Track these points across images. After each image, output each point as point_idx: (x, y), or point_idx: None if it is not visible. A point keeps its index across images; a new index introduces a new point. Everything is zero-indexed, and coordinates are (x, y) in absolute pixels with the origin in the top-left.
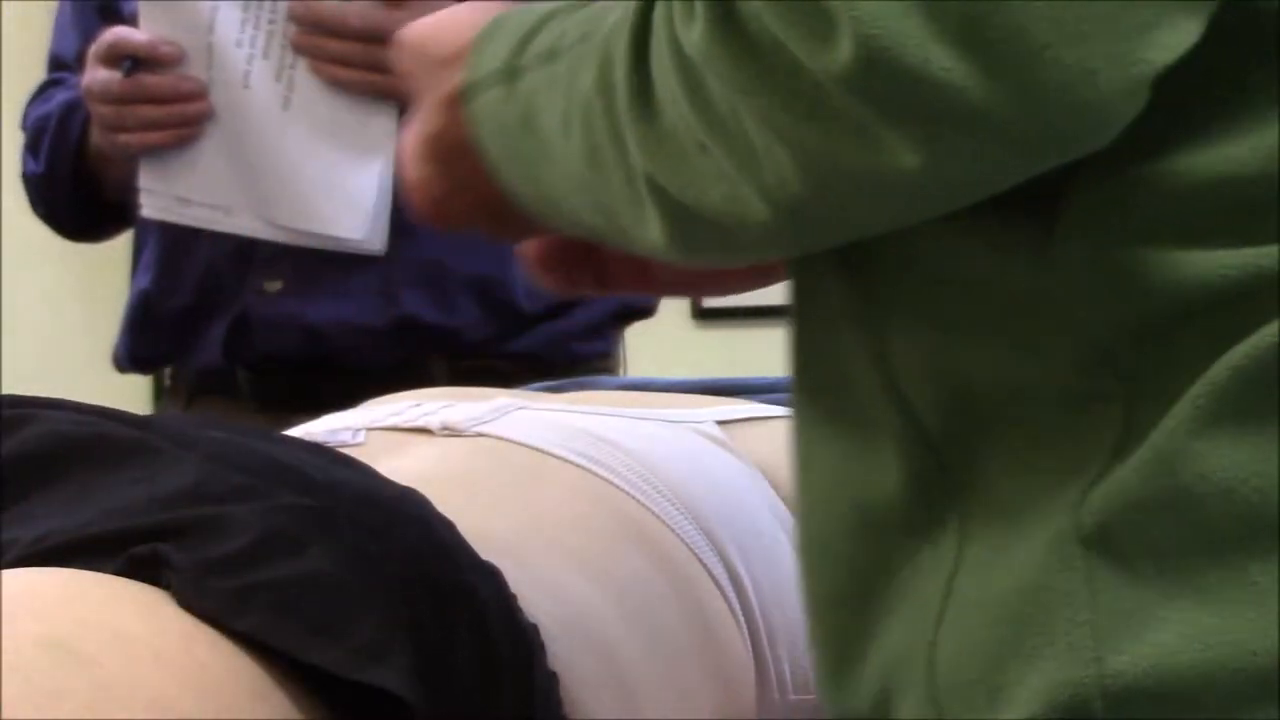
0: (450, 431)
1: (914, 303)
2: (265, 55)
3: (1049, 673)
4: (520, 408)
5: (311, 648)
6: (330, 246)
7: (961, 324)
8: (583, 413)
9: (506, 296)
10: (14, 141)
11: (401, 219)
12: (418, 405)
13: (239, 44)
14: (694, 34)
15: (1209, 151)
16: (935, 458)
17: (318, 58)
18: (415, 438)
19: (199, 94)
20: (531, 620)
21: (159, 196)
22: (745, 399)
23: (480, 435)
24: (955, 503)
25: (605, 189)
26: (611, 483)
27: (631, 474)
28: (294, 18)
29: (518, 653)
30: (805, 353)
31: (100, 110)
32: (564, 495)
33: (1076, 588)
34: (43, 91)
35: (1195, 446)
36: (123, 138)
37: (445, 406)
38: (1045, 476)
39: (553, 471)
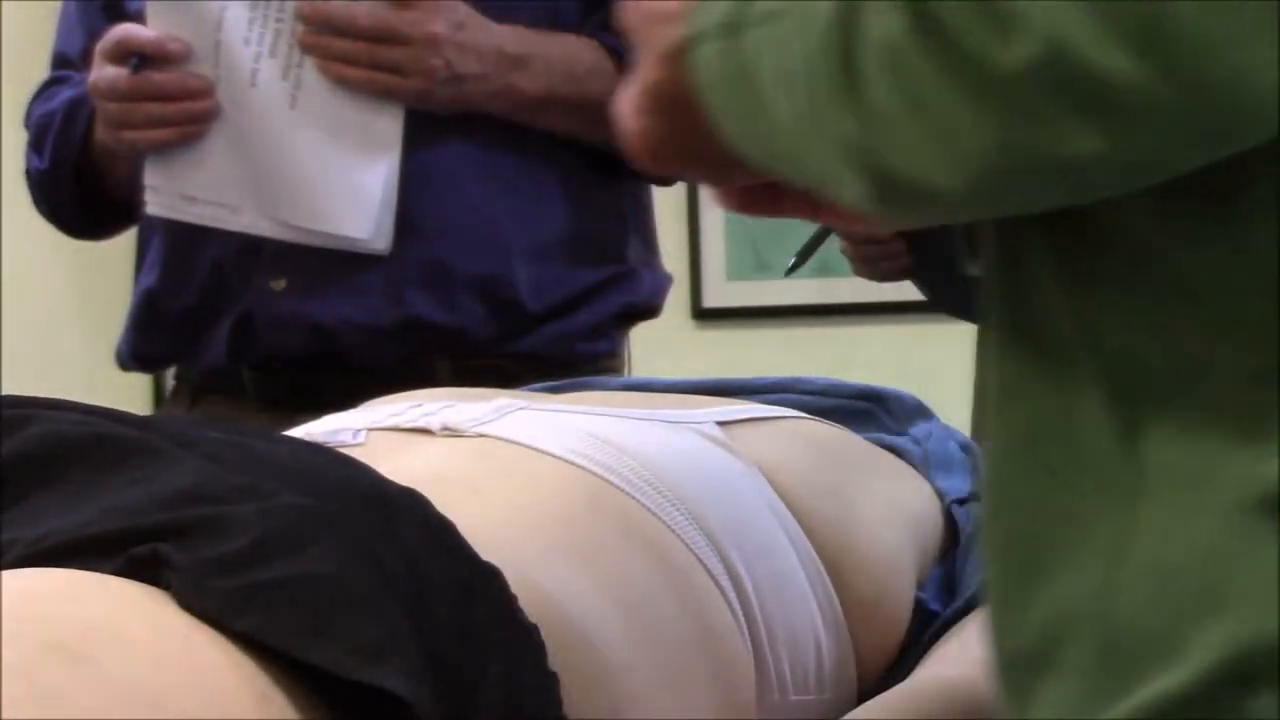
0: (451, 432)
1: (1116, 275)
2: (272, 54)
3: (1228, 631)
4: (521, 408)
5: (311, 648)
6: (336, 245)
7: (1158, 298)
8: (583, 413)
9: (511, 296)
10: (14, 141)
11: (406, 218)
12: (418, 406)
13: (246, 42)
14: (894, 20)
15: None
16: (1115, 421)
17: (325, 56)
18: (416, 438)
19: (206, 92)
20: (532, 620)
21: (164, 194)
22: (745, 399)
23: (481, 436)
24: (1138, 465)
25: (817, 147)
26: (611, 483)
27: (632, 474)
28: (302, 16)
29: (518, 653)
30: (1009, 308)
31: (107, 107)
32: (564, 495)
33: (1258, 550)
34: (46, 89)
35: None
36: (129, 135)
37: (446, 407)
38: (1227, 445)
39: (553, 472)
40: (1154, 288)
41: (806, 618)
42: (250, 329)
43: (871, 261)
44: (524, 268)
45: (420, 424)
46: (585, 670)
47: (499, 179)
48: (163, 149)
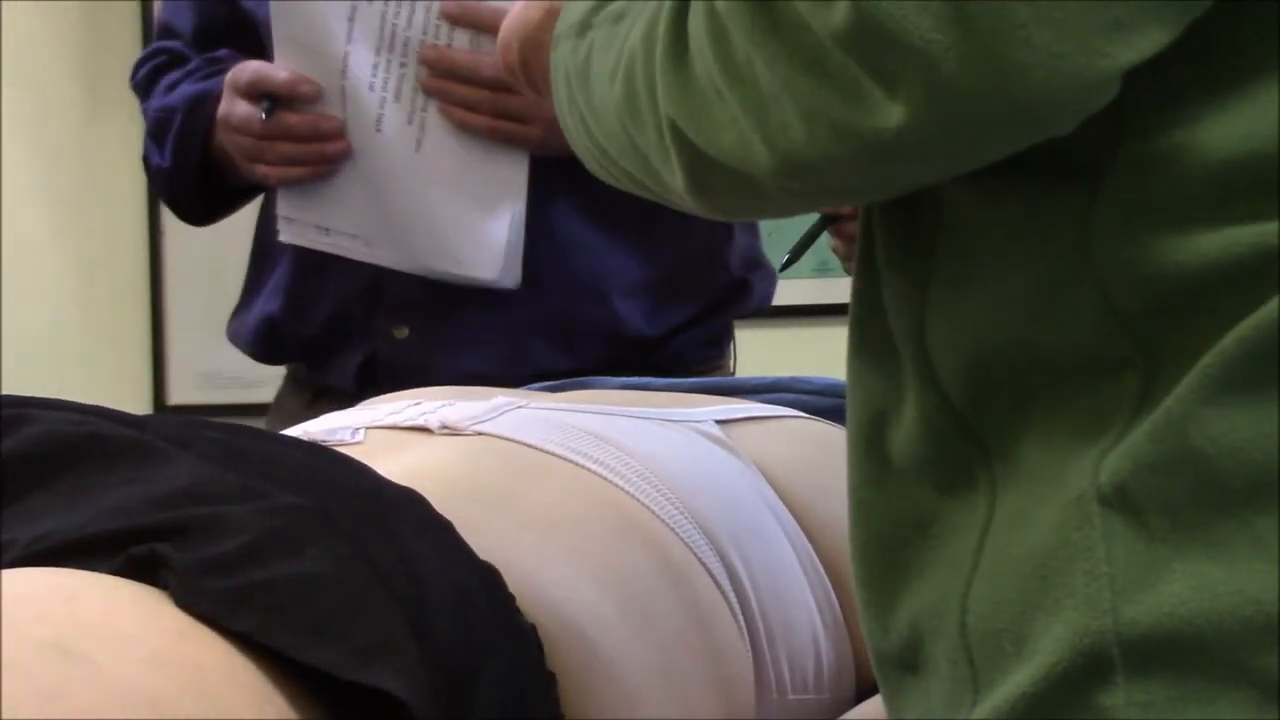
0: (449, 431)
1: (949, 268)
2: (397, 98)
3: (1070, 622)
4: (519, 407)
5: (309, 648)
6: (467, 283)
7: (993, 290)
8: (582, 412)
9: (629, 333)
10: (14, 142)
11: (532, 270)
12: (416, 404)
13: (371, 87)
14: None
15: (1235, 127)
16: (957, 421)
17: (449, 102)
18: (414, 437)
19: (338, 133)
20: (530, 620)
21: (298, 225)
22: (744, 398)
23: (479, 434)
24: (984, 465)
25: (639, 136)
26: (611, 481)
27: (631, 473)
28: (425, 61)
29: (516, 653)
30: (858, 307)
31: (239, 141)
32: (563, 494)
33: (1095, 543)
34: (154, 58)
35: (1205, 412)
36: (260, 169)
37: (444, 405)
38: (1068, 440)
39: (551, 470)
40: (982, 286)
41: (805, 617)
42: (374, 371)
43: None
44: (639, 305)
45: (419, 423)
46: (583, 670)
47: (610, 222)
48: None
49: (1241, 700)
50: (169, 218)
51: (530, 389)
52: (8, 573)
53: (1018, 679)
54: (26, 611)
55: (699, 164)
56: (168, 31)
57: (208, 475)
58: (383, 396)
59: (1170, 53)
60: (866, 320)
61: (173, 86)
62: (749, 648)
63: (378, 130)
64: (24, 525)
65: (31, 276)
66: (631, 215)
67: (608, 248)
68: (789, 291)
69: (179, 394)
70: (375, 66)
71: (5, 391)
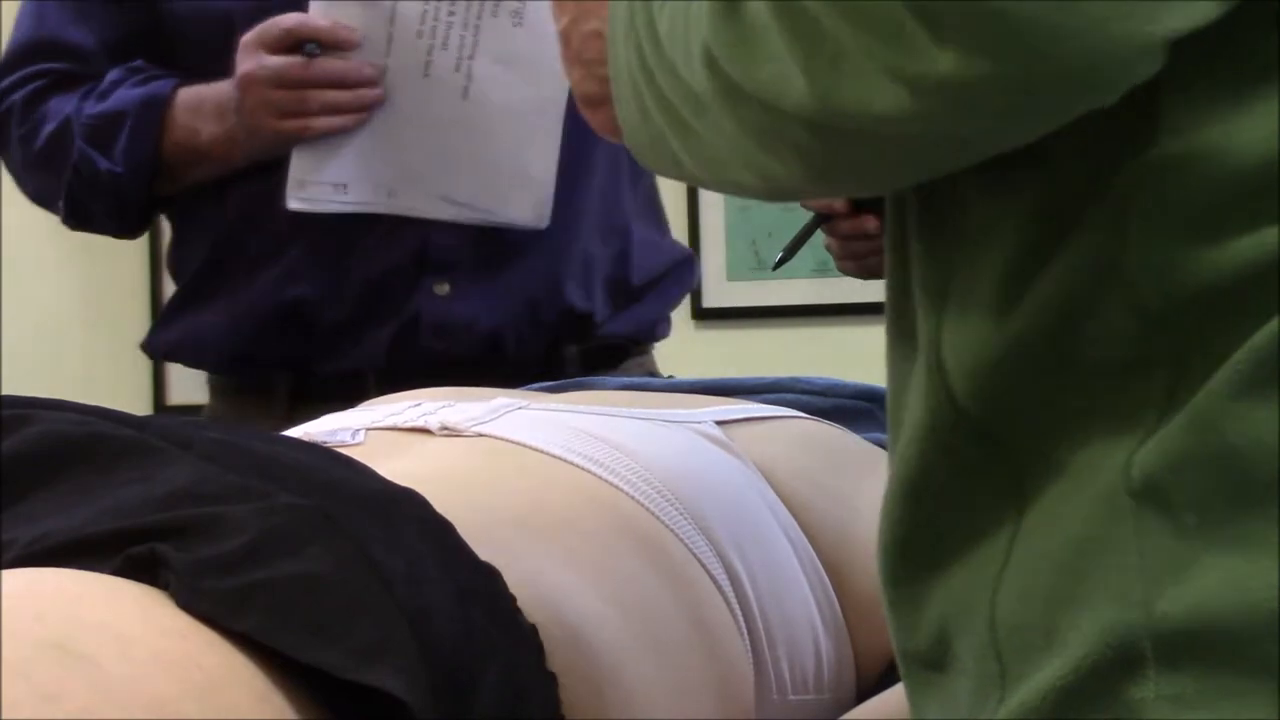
0: (449, 432)
1: (974, 268)
2: (445, 45)
3: (1101, 615)
4: (519, 408)
5: (309, 648)
6: (497, 224)
7: (1023, 291)
8: (582, 412)
9: (624, 275)
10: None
11: (564, 209)
12: (417, 405)
13: (419, 35)
14: None
15: (1267, 127)
16: (979, 422)
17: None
18: (414, 438)
19: (377, 80)
20: (530, 621)
21: (313, 186)
22: (745, 399)
23: (479, 435)
24: (1014, 466)
25: (680, 65)
26: (610, 483)
27: (630, 474)
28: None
29: (516, 653)
30: (893, 305)
31: (273, 96)
32: (563, 495)
33: (1126, 538)
34: (31, 82)
35: (1235, 408)
36: (297, 123)
37: (444, 407)
38: (1098, 438)
39: (551, 471)
40: (1005, 287)
41: (806, 618)
42: (413, 334)
43: (858, 258)
44: (635, 243)
45: (419, 424)
46: (584, 671)
47: (615, 159)
48: (308, 141)
49: (1271, 694)
50: None
51: (530, 389)
52: (8, 573)
53: (1047, 673)
54: (26, 611)
55: (732, 94)
56: (49, 50)
57: (208, 475)
58: (382, 398)
59: (1202, 53)
60: (902, 320)
61: (104, 95)
62: (749, 648)
63: (425, 76)
64: (24, 525)
65: (32, 276)
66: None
67: (613, 183)
68: (790, 292)
69: (179, 394)
70: (424, 14)
71: (5, 392)
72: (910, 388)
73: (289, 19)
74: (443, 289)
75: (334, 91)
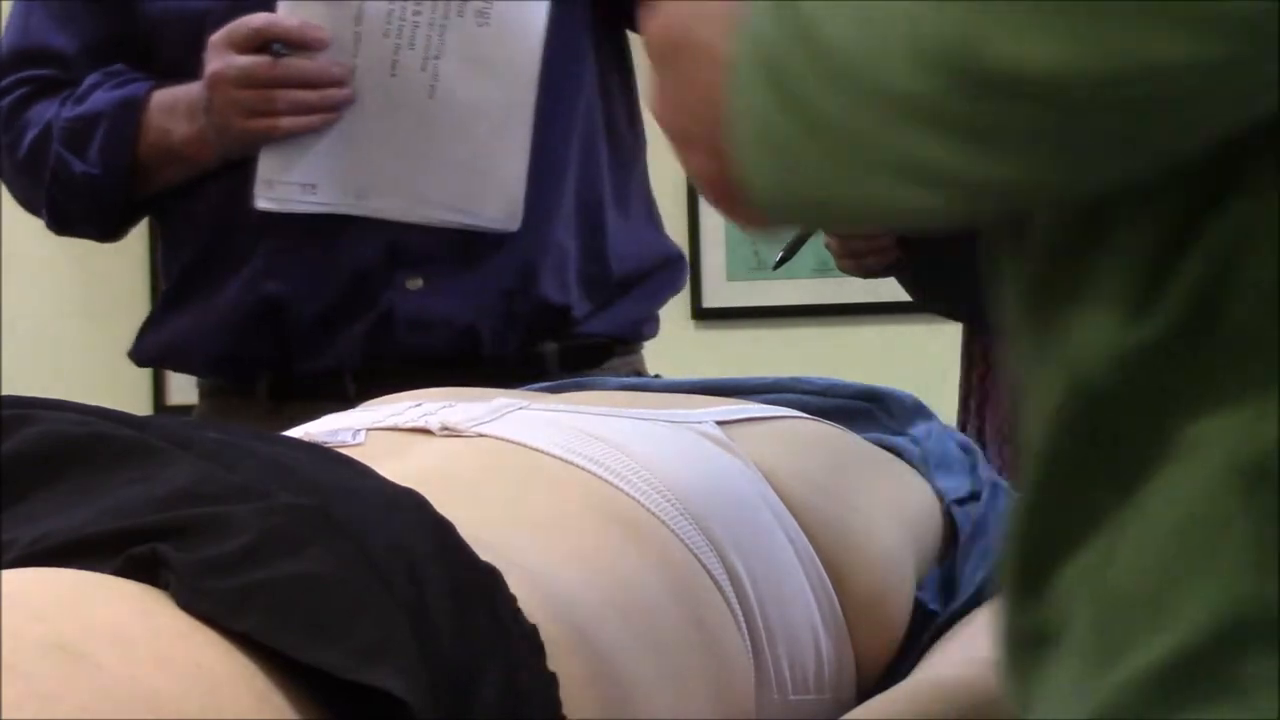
0: (450, 432)
1: (1114, 255)
2: (411, 45)
3: (1216, 594)
4: (520, 408)
5: (309, 648)
6: (466, 226)
7: (1161, 281)
8: (582, 413)
9: (601, 269)
10: None
11: (537, 204)
12: (417, 406)
13: (386, 34)
14: None
15: None
16: (1098, 411)
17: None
18: (415, 438)
19: (346, 80)
20: (531, 621)
21: (281, 186)
22: (745, 399)
23: (480, 436)
24: (1136, 446)
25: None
26: (611, 483)
27: (631, 474)
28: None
29: (517, 653)
30: (1028, 296)
31: (239, 95)
32: (563, 495)
33: (1238, 517)
34: (13, 90)
35: None
36: (265, 122)
37: (445, 407)
38: (1212, 417)
39: (552, 472)
40: (1132, 278)
41: (806, 617)
42: (388, 329)
43: (857, 257)
44: (610, 236)
45: (419, 424)
46: (584, 671)
47: (590, 148)
48: (277, 141)
49: None
50: None
51: (530, 389)
52: (8, 573)
53: (1157, 649)
54: (26, 611)
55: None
56: (33, 57)
57: (208, 475)
58: (382, 398)
59: None
60: (1032, 303)
61: (81, 99)
62: (749, 648)
63: (392, 75)
64: (24, 525)
65: (31, 276)
66: (603, 139)
67: (589, 175)
68: (790, 292)
69: (179, 394)
70: (390, 14)
71: (5, 392)
72: (1041, 376)
73: (257, 19)
74: (415, 284)
75: (301, 91)
